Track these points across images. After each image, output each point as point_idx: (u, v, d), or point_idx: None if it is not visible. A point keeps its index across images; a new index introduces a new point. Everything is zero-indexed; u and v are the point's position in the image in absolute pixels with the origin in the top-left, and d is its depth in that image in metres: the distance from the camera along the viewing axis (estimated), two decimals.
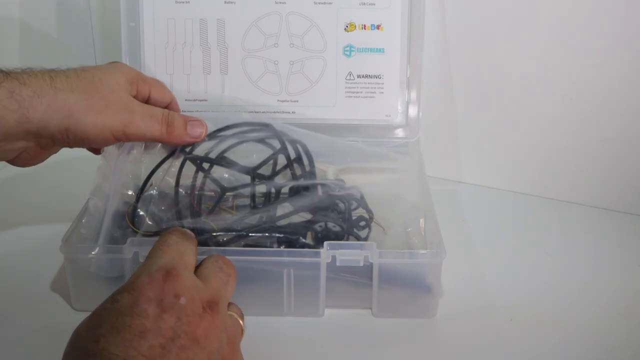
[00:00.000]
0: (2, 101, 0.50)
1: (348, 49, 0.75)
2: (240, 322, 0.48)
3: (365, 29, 0.75)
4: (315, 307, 0.59)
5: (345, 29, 0.75)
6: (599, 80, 0.73)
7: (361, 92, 0.76)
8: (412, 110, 0.76)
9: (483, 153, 0.82)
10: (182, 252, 0.46)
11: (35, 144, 0.54)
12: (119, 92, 0.57)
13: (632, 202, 0.76)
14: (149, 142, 0.62)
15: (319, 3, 0.74)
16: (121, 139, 0.57)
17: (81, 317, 0.58)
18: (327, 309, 0.60)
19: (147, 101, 0.63)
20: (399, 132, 0.76)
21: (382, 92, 0.75)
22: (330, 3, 0.74)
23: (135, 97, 0.60)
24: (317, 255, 0.57)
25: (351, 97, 0.76)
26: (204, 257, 0.50)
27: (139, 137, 0.58)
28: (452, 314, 0.60)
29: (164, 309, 0.39)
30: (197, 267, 0.48)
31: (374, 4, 0.74)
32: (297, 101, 0.76)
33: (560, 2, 0.72)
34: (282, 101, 0.76)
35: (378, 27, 0.74)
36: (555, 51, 0.74)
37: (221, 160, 0.62)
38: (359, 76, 0.75)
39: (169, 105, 0.66)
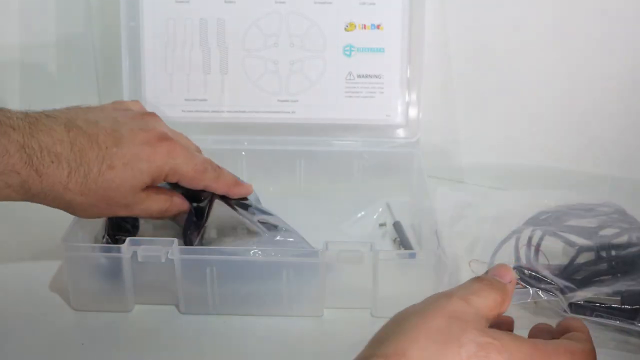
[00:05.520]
0: (12, 187, 0.50)
1: (348, 48, 0.75)
2: None
3: (365, 28, 0.75)
4: (315, 306, 0.60)
5: (345, 28, 0.75)
6: (601, 80, 0.73)
7: (361, 92, 0.75)
8: (412, 110, 0.76)
9: (483, 153, 0.82)
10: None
11: None
12: (128, 195, 0.55)
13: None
14: None
15: (319, 3, 0.74)
16: None
17: (81, 316, 0.59)
18: (326, 309, 0.60)
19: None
20: (399, 132, 0.76)
21: (382, 92, 0.75)
22: (330, 3, 0.74)
23: (154, 185, 0.57)
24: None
25: (351, 97, 0.75)
26: None
27: None
28: None
29: None
30: None
31: (374, 4, 0.74)
32: (297, 101, 0.76)
33: (560, 2, 0.72)
34: (282, 101, 0.76)
35: (378, 26, 0.74)
36: (557, 51, 0.74)
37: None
38: (359, 76, 0.75)
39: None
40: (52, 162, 0.50)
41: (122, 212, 0.57)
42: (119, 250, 0.57)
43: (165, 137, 0.56)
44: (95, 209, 0.55)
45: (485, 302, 0.39)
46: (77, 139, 0.52)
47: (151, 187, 0.56)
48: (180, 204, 0.60)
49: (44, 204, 0.53)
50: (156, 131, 0.56)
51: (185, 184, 0.58)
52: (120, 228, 0.65)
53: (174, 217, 0.61)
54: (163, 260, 0.57)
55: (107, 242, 0.64)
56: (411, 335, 0.36)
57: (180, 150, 0.56)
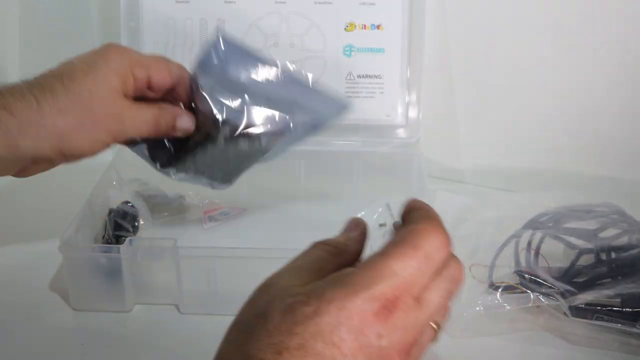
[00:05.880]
0: None
1: (348, 48, 0.75)
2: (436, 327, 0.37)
3: (365, 28, 0.75)
4: None
5: (345, 28, 0.75)
6: (601, 80, 0.73)
7: (361, 92, 0.75)
8: (412, 110, 0.76)
9: (483, 153, 0.82)
10: (423, 276, 0.35)
11: (32, 163, 0.53)
12: (109, 102, 0.52)
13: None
14: None
15: (319, 3, 0.74)
16: (110, 146, 0.54)
17: (80, 316, 0.59)
18: None
19: (148, 86, 0.56)
20: (399, 132, 0.76)
21: (382, 92, 0.75)
22: (330, 3, 0.74)
23: (130, 89, 0.55)
24: None
25: (351, 97, 0.76)
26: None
27: (129, 141, 0.57)
28: (452, 314, 0.60)
29: (361, 346, 0.32)
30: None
31: (374, 4, 0.74)
32: None
33: (560, 2, 0.72)
34: None
35: (378, 27, 0.74)
36: (557, 52, 0.74)
37: None
38: (359, 76, 0.75)
39: (176, 84, 0.58)
40: (17, 97, 0.49)
41: (115, 126, 0.53)
42: (118, 251, 0.57)
43: (115, 44, 0.56)
44: (86, 130, 0.51)
45: (307, 261, 0.37)
46: (34, 78, 0.51)
47: (135, 99, 0.55)
48: (172, 109, 0.57)
49: (32, 152, 0.50)
50: (107, 44, 0.56)
51: (156, 77, 0.55)
52: (120, 228, 0.65)
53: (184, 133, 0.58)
54: (163, 260, 0.57)
55: (107, 242, 0.64)
56: (226, 335, 0.35)
57: (131, 49, 0.56)
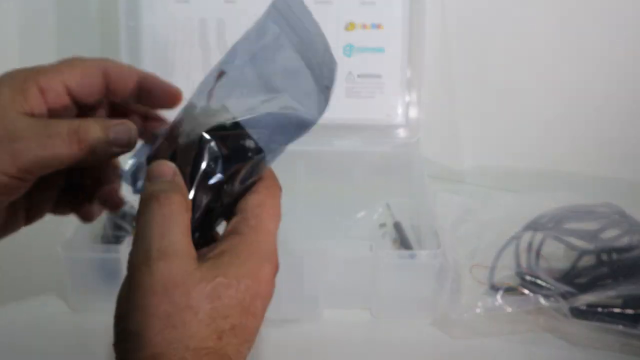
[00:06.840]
0: None
1: (348, 48, 0.75)
2: None
3: (365, 28, 0.74)
4: (315, 306, 0.60)
5: (345, 28, 0.74)
6: (601, 80, 0.73)
7: (361, 92, 0.75)
8: (413, 110, 0.75)
9: (483, 153, 0.82)
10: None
11: None
12: (4, 121, 0.41)
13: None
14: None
15: (319, 2, 0.74)
16: (23, 176, 0.41)
17: (79, 317, 0.59)
18: (326, 309, 0.60)
19: (74, 99, 0.44)
20: (400, 132, 0.76)
21: (382, 92, 0.75)
22: (330, 3, 0.74)
23: (38, 105, 0.42)
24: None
25: (351, 97, 0.75)
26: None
27: (46, 168, 0.41)
28: (452, 314, 0.60)
29: (264, 306, 0.37)
30: None
31: (374, 3, 0.74)
32: None
33: (560, 3, 0.72)
34: None
35: (378, 26, 0.74)
36: (557, 53, 0.74)
37: None
38: (359, 76, 0.75)
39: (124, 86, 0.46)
40: None
41: (17, 145, 0.41)
42: (118, 251, 0.57)
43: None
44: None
45: (176, 234, 0.36)
46: None
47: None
48: (99, 119, 0.43)
49: None
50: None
51: (73, 84, 0.44)
52: (119, 228, 0.65)
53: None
54: None
55: (107, 242, 0.64)
56: (146, 336, 0.37)
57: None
